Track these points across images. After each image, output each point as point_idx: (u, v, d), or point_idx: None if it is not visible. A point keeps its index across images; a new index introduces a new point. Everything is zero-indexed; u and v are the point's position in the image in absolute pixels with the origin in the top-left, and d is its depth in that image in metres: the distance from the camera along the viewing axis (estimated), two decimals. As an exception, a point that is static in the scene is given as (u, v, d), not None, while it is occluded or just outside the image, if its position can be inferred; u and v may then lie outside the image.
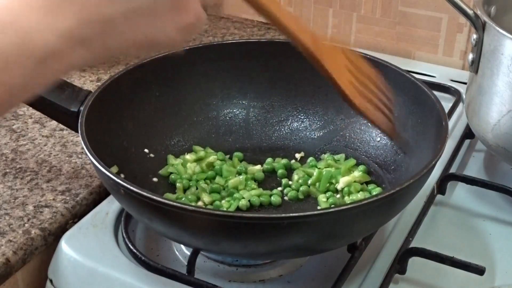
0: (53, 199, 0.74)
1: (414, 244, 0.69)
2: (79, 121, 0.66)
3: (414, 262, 0.67)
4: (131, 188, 0.58)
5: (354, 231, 0.61)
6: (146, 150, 0.77)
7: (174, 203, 0.56)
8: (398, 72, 0.76)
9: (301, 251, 0.63)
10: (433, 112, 0.70)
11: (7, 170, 0.79)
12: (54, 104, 0.71)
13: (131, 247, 0.68)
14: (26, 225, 0.70)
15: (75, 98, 0.71)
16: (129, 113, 0.75)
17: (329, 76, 0.60)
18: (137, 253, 0.67)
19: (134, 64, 0.77)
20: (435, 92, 0.73)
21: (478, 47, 0.76)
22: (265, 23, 1.20)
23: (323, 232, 0.58)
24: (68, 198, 0.75)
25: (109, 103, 0.73)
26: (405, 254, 0.67)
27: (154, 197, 0.57)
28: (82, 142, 0.63)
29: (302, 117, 0.83)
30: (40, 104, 0.72)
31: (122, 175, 0.69)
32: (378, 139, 0.78)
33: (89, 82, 0.97)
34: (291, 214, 0.55)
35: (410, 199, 0.64)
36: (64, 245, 0.70)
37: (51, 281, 0.71)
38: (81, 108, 0.69)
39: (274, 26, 0.57)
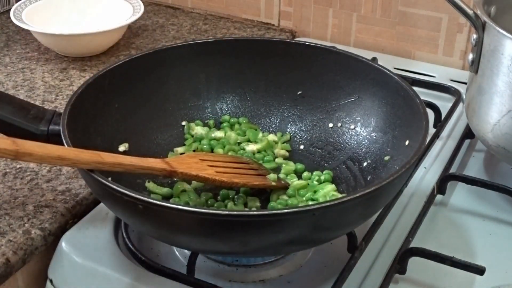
0: (53, 199, 0.74)
1: (414, 244, 0.69)
2: (62, 133, 0.63)
3: (414, 262, 0.67)
4: (131, 195, 0.57)
5: (348, 220, 0.61)
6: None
7: (170, 205, 0.56)
8: (379, 69, 0.76)
9: (298, 244, 0.63)
10: (415, 110, 0.69)
11: (7, 170, 0.79)
12: (21, 124, 0.68)
13: (131, 247, 0.68)
14: (26, 225, 0.70)
15: (41, 118, 0.69)
16: (115, 113, 0.74)
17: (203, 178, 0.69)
18: (137, 253, 0.67)
19: (122, 60, 0.77)
20: (435, 92, 0.73)
21: (478, 47, 0.76)
22: (265, 23, 1.20)
23: (316, 225, 0.57)
24: (68, 198, 0.75)
25: (89, 106, 0.71)
26: (405, 254, 0.67)
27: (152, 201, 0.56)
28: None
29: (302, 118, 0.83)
30: (5, 126, 0.68)
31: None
32: (366, 141, 0.77)
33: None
34: (287, 210, 0.55)
35: (393, 194, 0.65)
36: (64, 245, 0.70)
37: (51, 281, 0.71)
38: (51, 127, 0.68)
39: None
